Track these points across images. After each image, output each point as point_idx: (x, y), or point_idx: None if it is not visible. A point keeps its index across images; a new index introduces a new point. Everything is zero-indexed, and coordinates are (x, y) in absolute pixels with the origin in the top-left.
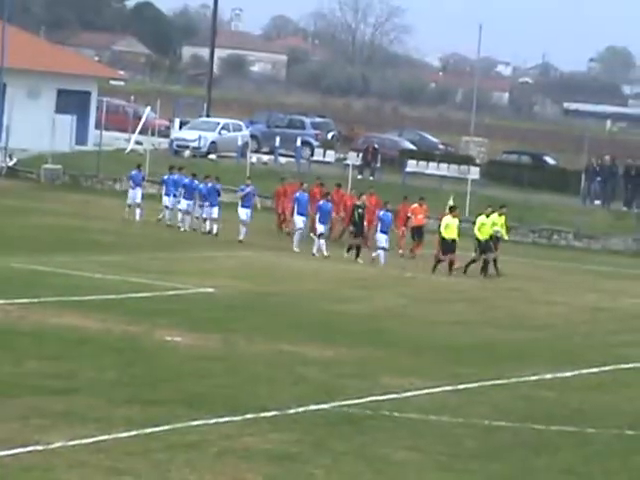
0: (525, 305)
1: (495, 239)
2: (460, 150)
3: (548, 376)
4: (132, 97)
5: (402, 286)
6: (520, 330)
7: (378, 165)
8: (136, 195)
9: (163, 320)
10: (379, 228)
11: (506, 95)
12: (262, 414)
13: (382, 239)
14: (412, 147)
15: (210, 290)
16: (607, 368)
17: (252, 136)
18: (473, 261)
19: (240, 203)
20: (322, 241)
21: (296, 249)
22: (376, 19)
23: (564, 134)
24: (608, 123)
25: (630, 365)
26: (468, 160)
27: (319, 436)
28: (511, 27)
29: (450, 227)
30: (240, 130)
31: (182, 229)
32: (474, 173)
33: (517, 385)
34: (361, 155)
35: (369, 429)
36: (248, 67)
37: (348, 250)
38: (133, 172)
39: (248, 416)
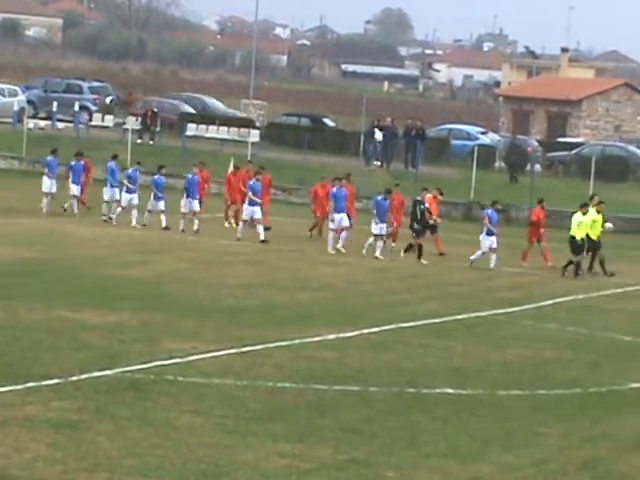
0: (306, 266)
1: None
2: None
3: (330, 337)
4: None
5: (184, 250)
6: (302, 291)
7: (158, 129)
8: (53, 184)
9: None
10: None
11: (284, 57)
12: (44, 382)
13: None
14: (192, 111)
15: None
16: (387, 327)
17: (29, 101)
18: (570, 262)
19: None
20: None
21: (342, 249)
22: None
23: (342, 96)
24: (385, 84)
25: (410, 324)
26: (248, 123)
27: (102, 403)
28: None
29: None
30: (16, 95)
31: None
32: (254, 136)
33: (300, 346)
34: (140, 119)
35: (153, 394)
36: (23, 31)
37: (406, 250)
38: (49, 158)
39: (30, 384)
